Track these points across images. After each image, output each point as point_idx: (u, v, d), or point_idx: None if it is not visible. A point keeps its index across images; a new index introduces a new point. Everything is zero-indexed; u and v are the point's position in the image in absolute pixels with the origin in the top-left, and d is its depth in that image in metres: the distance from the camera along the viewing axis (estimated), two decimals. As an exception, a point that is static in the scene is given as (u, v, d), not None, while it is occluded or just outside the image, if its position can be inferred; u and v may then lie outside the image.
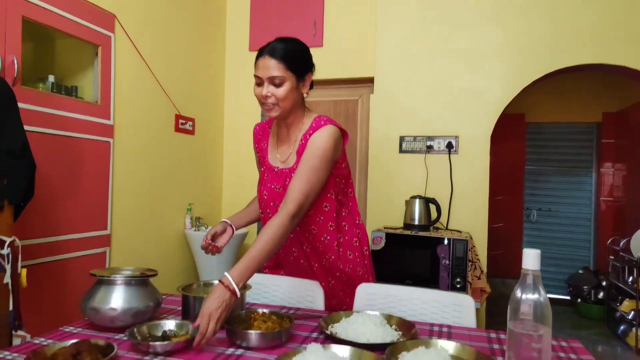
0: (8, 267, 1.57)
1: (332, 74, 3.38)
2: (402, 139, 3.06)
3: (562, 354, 1.13)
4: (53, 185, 2.13)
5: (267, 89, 1.35)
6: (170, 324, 1.15)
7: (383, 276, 2.61)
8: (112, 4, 2.49)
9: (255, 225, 3.38)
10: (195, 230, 3.13)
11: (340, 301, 1.58)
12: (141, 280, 1.25)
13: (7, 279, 1.57)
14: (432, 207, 2.77)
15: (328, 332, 1.20)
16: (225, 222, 1.53)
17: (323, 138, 1.37)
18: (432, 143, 3.00)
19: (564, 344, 1.20)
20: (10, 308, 1.56)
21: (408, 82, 3.07)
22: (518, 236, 4.86)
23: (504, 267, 4.69)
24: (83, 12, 2.29)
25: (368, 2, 3.28)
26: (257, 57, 1.38)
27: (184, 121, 3.13)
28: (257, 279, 1.59)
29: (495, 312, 3.40)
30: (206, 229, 3.19)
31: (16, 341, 1.57)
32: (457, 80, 2.97)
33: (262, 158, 1.56)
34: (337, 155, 1.44)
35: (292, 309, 1.45)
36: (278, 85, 1.35)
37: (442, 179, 2.96)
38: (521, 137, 4.82)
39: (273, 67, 1.34)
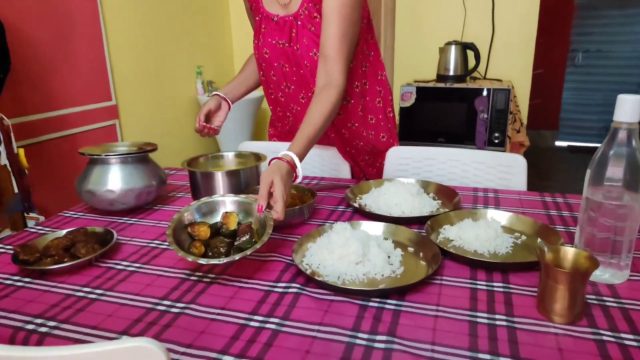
0: (1, 149, 1.44)
1: None
2: (435, -28, 2.58)
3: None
4: (42, 54, 1.89)
5: None
6: (215, 211, 0.90)
7: (412, 136, 2.42)
8: None
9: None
10: (208, 95, 2.92)
11: (363, 173, 1.41)
12: (139, 157, 1.09)
13: (4, 160, 1.44)
14: (470, 54, 2.43)
15: (356, 204, 1.05)
16: (218, 95, 1.28)
17: None
18: (472, -25, 2.51)
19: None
20: (15, 191, 1.46)
21: None
22: (558, 83, 4.46)
23: (541, 118, 4.40)
24: None
25: None
26: None
27: (179, -32, 2.69)
28: (271, 147, 1.42)
29: (531, 169, 3.22)
30: (220, 93, 2.96)
31: (30, 224, 1.51)
32: None
33: (254, 4, 1.23)
34: None
35: (314, 179, 1.29)
36: None
37: (482, 20, 2.55)
38: (574, -36, 4.10)
39: None
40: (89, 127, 2.14)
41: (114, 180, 1.04)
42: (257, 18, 1.24)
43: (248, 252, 0.75)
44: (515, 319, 0.64)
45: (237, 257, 0.74)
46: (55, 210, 1.08)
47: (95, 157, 1.04)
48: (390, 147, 1.34)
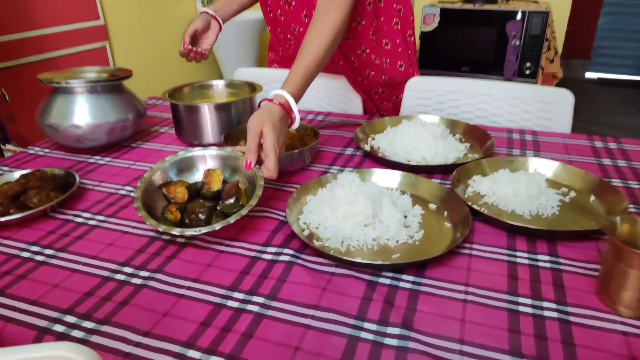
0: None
1: None
2: None
3: None
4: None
5: None
6: (195, 168, 0.74)
7: (433, 64, 2.17)
8: None
9: None
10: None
11: (377, 108, 1.21)
12: (111, 86, 0.91)
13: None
14: (506, -30, 2.12)
15: (367, 146, 0.88)
16: (207, 13, 1.05)
17: None
18: None
19: None
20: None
21: None
22: (595, 7, 4.04)
23: (571, 46, 4.03)
24: None
25: None
26: None
27: None
28: (271, 75, 1.22)
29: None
30: (222, 13, 2.69)
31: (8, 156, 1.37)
32: None
33: None
34: None
35: (319, 114, 1.11)
36: None
37: None
38: None
39: None
40: (74, 50, 1.94)
41: (81, 113, 0.87)
42: None
43: (232, 219, 0.59)
44: (570, 309, 0.49)
45: (217, 226, 0.59)
46: (37, 142, 0.94)
47: (56, 85, 0.87)
48: (410, 77, 1.14)
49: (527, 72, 2.01)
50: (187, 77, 2.65)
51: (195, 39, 1.03)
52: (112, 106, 0.90)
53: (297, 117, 0.76)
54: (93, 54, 2.03)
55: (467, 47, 2.09)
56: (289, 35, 1.13)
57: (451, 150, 0.84)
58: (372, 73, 1.12)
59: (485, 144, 0.86)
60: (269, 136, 0.68)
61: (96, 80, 0.90)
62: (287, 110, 0.74)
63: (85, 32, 1.97)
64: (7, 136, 1.36)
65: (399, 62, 1.12)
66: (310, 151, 0.82)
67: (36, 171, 0.76)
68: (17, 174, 0.77)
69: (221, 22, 1.07)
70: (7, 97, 1.41)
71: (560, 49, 2.32)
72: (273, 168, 0.67)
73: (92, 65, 2.03)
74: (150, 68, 2.38)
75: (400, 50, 1.11)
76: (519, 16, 1.97)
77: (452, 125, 0.94)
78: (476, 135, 0.90)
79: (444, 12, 2.08)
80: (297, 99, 0.77)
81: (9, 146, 1.36)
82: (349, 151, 0.89)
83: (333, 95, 1.21)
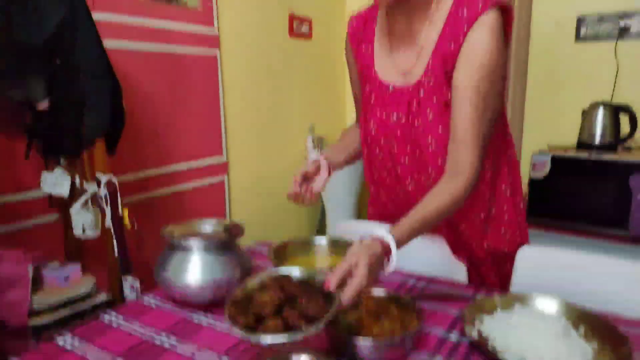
0: (108, 209, 1.45)
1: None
2: (580, 20, 2.23)
3: None
4: (158, 110, 1.96)
5: None
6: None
7: (545, 213, 2.04)
8: None
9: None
10: (318, 151, 2.85)
11: (481, 279, 1.13)
12: (223, 243, 0.97)
13: (108, 222, 1.45)
14: (624, 118, 2.02)
15: (475, 332, 0.80)
16: (318, 159, 1.10)
17: (488, 42, 0.87)
18: (629, 23, 2.12)
19: None
20: (116, 254, 1.46)
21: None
22: None
23: None
24: None
25: None
26: None
27: (299, 23, 2.71)
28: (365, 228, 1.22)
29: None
30: (329, 147, 2.88)
31: (126, 287, 1.48)
32: None
33: (364, 69, 1.06)
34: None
35: (420, 279, 1.06)
36: None
37: (640, 78, 2.13)
38: None
39: None
40: (197, 184, 2.16)
41: (193, 271, 0.92)
42: (366, 88, 1.08)
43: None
44: None
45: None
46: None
47: (174, 241, 0.95)
48: (518, 247, 1.06)
49: (660, 229, 1.80)
50: (296, 214, 2.79)
51: (305, 181, 1.07)
52: (222, 265, 0.95)
53: (394, 263, 0.77)
54: (212, 188, 2.24)
55: (584, 198, 1.95)
56: (392, 196, 1.14)
57: (576, 356, 0.73)
58: (480, 242, 1.07)
59: (622, 347, 0.74)
60: (361, 267, 0.70)
61: (210, 238, 0.97)
62: (387, 251, 0.76)
63: (209, 168, 2.21)
64: (131, 268, 1.48)
65: (502, 229, 1.06)
66: (412, 338, 0.77)
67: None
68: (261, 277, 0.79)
69: (331, 168, 1.12)
70: (135, 225, 1.56)
71: (698, 201, 2.07)
72: (348, 297, 0.68)
73: (212, 197, 2.24)
74: (262, 206, 2.57)
75: (506, 217, 1.06)
76: (644, 168, 1.82)
77: (574, 314, 0.83)
78: (605, 332, 0.78)
79: (556, 160, 2.00)
80: (399, 245, 0.79)
81: (129, 278, 1.47)
82: (454, 337, 0.82)
83: (435, 256, 1.17)
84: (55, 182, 1.51)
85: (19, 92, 1.33)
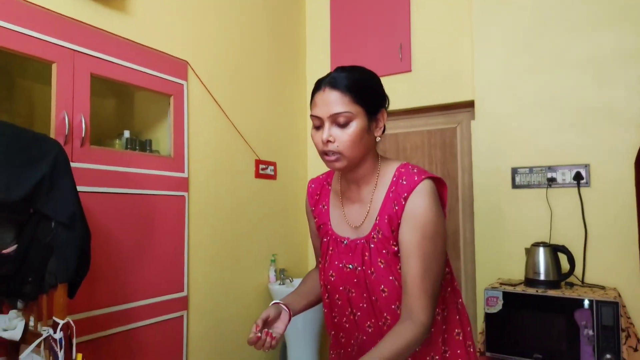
0: (61, 354, 1.40)
1: (424, 100, 2.98)
2: (514, 171, 2.54)
3: None
4: (123, 249, 1.99)
5: (329, 131, 1.03)
6: None
7: (503, 347, 2.09)
8: (184, 51, 2.39)
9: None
10: (280, 283, 2.87)
11: None
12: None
13: (59, 368, 1.39)
14: (562, 257, 2.21)
15: None
16: (279, 304, 1.18)
17: (425, 205, 1.02)
18: (554, 175, 2.44)
19: None
20: (62, 403, 1.37)
21: (518, 103, 2.57)
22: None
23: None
24: (154, 63, 2.20)
25: (461, 14, 2.86)
26: (314, 93, 1.07)
27: (264, 166, 2.93)
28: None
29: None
30: (291, 282, 2.91)
31: None
32: (583, 96, 2.41)
33: (322, 225, 1.21)
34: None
35: None
36: (343, 126, 1.02)
37: (572, 220, 2.38)
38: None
39: (335, 101, 1.01)
40: (155, 320, 2.11)
41: None
42: (324, 240, 1.19)
43: None
44: None
45: None
46: None
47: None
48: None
49: (609, 364, 1.86)
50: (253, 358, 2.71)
51: (266, 326, 1.10)
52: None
53: None
54: (170, 323, 2.19)
55: (537, 332, 2.03)
56: (352, 341, 1.19)
57: None
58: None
59: None
60: None
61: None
62: None
63: (168, 304, 2.19)
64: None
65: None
66: None
67: None
68: None
69: (291, 313, 1.17)
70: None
71: (642, 335, 2.18)
72: None
73: (168, 335, 2.17)
74: (222, 345, 2.50)
75: (460, 360, 1.12)
76: (586, 304, 1.95)
77: None
78: None
79: (507, 296, 2.12)
80: None
81: None
82: None
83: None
84: (8, 325, 1.46)
85: (-12, 240, 1.36)
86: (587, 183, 2.36)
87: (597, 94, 2.37)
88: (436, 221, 1.02)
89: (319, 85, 1.06)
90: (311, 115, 1.06)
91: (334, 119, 1.02)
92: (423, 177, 1.04)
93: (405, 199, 1.03)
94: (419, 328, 0.97)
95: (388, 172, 1.10)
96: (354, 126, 1.02)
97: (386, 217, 1.06)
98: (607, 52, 2.36)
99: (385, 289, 1.06)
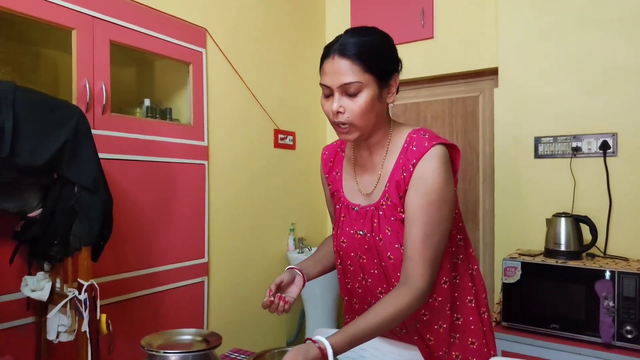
0: (86, 314, 1.46)
1: (446, 68, 2.91)
2: (538, 140, 2.48)
3: None
4: (146, 215, 2.04)
5: (339, 102, 1.00)
6: None
7: (519, 317, 2.09)
8: (203, 18, 2.37)
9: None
10: (299, 252, 2.91)
11: None
12: (201, 355, 1.00)
13: (85, 326, 1.45)
14: (584, 228, 2.16)
15: None
16: (294, 269, 1.19)
17: (434, 171, 1.00)
18: (579, 144, 2.37)
19: None
20: (89, 359, 1.44)
21: (543, 68, 2.48)
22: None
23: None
24: (173, 30, 2.19)
25: (486, -21, 2.74)
26: (323, 59, 1.04)
27: (283, 136, 2.93)
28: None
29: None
30: (310, 250, 2.95)
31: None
32: (613, 58, 2.30)
33: (335, 192, 1.21)
34: (454, 183, 1.06)
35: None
36: (353, 96, 1.00)
37: (596, 191, 2.32)
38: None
39: (345, 70, 0.98)
40: (177, 285, 2.18)
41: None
42: (337, 206, 1.20)
43: None
44: None
45: None
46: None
47: (154, 353, 0.98)
48: (485, 357, 1.11)
49: (629, 336, 1.84)
50: (270, 321, 2.77)
51: (279, 290, 1.13)
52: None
53: None
54: (192, 287, 2.25)
55: (555, 303, 2.02)
56: (365, 306, 1.20)
57: None
58: (447, 351, 1.11)
59: None
60: None
61: (189, 351, 1.00)
62: (324, 356, 0.82)
63: (190, 270, 2.25)
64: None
65: (469, 339, 1.11)
66: None
67: None
68: None
69: (306, 278, 1.19)
70: (110, 328, 1.56)
71: (664, 308, 2.14)
72: None
73: (190, 298, 2.24)
74: (241, 309, 2.56)
75: (473, 327, 1.12)
76: (607, 276, 1.92)
77: None
78: None
79: (526, 266, 2.10)
80: (337, 352, 0.85)
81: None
82: None
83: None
84: (36, 286, 1.53)
85: (15, 204, 1.41)
86: (613, 152, 2.29)
87: (628, 55, 2.26)
88: (443, 188, 1.00)
89: (327, 52, 1.02)
90: (320, 84, 1.04)
91: (344, 89, 0.99)
92: (434, 142, 1.01)
93: (414, 165, 1.01)
94: (414, 293, 0.96)
95: (400, 138, 1.08)
96: (365, 96, 0.99)
97: (395, 183, 1.05)
98: (638, 10, 2.23)
99: (392, 256, 1.06)
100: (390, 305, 0.94)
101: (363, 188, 1.13)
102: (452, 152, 1.06)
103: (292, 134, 3.02)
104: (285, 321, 2.94)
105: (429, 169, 1.00)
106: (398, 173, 1.05)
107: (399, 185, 1.04)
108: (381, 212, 1.07)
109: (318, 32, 3.32)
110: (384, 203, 1.07)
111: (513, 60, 2.56)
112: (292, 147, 3.01)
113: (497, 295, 2.35)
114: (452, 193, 1.03)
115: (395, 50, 1.07)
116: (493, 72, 2.76)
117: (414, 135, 1.06)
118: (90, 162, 1.45)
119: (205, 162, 2.35)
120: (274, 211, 2.87)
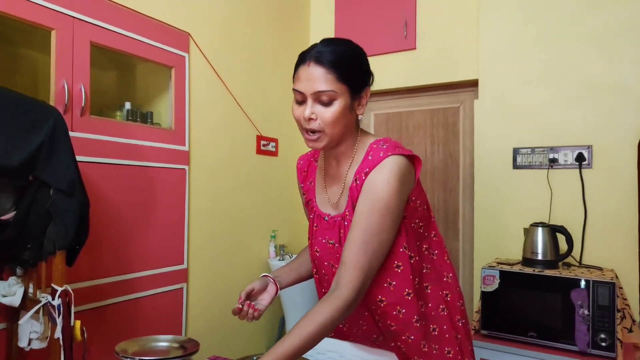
0: (59, 320, 1.42)
1: (428, 79, 2.95)
2: (516, 151, 2.53)
3: None
4: (124, 220, 2.00)
5: (312, 109, 1.01)
6: None
7: (498, 326, 2.11)
8: (186, 23, 2.36)
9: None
10: (280, 259, 2.89)
11: None
12: (177, 360, 0.98)
13: (58, 333, 1.41)
14: (561, 238, 2.21)
15: None
16: (267, 277, 1.19)
17: (383, 180, 0.99)
18: (556, 155, 2.42)
19: None
20: (61, 367, 1.40)
21: (522, 81, 2.54)
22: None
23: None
24: (155, 34, 2.17)
25: (468, -8, 2.80)
26: (297, 65, 1.05)
27: (266, 142, 2.92)
28: (327, 346, 1.25)
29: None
30: (291, 258, 2.93)
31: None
32: (589, 72, 2.37)
33: (309, 202, 1.21)
34: (407, 195, 1.05)
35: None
36: (327, 104, 1.00)
37: (572, 202, 2.37)
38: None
39: (320, 77, 0.99)
40: (156, 291, 2.14)
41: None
42: (311, 216, 1.20)
43: None
44: None
45: None
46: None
47: (128, 359, 0.95)
48: (461, 364, 1.11)
49: (603, 344, 1.88)
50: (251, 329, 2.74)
51: (250, 298, 1.13)
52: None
53: None
54: (170, 294, 2.21)
55: (532, 311, 2.05)
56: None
57: None
58: (421, 360, 1.11)
59: None
60: None
61: (166, 357, 0.97)
62: None
63: (168, 275, 2.21)
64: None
65: (446, 349, 1.12)
66: None
67: None
68: None
69: (279, 287, 1.18)
70: (85, 335, 1.52)
71: (638, 317, 2.20)
72: None
73: (169, 305, 2.20)
74: (220, 314, 2.53)
75: (447, 336, 1.12)
76: (582, 284, 1.95)
77: None
78: None
79: (504, 275, 2.13)
80: None
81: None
82: None
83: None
84: (8, 291, 1.48)
85: (-13, 206, 1.37)
86: (589, 164, 2.35)
87: (604, 70, 2.33)
88: (390, 198, 0.98)
89: (303, 58, 1.03)
90: (293, 89, 1.04)
91: (317, 97, 1.00)
92: (389, 153, 1.01)
93: (367, 174, 1.01)
94: (337, 304, 0.94)
95: (363, 149, 1.08)
96: (337, 105, 1.00)
97: (351, 192, 1.05)
98: (616, 26, 2.31)
99: None
100: (312, 321, 0.92)
101: (331, 198, 1.14)
102: (414, 162, 1.05)
103: (275, 140, 3.01)
104: (265, 328, 2.91)
105: (379, 178, 0.99)
106: (354, 182, 1.05)
107: (352, 194, 1.05)
108: (346, 223, 1.07)
109: (302, 40, 3.33)
110: (348, 213, 1.07)
111: (493, 73, 2.62)
112: (274, 153, 3.01)
113: (477, 303, 2.38)
114: (400, 205, 1.01)
115: (368, 64, 1.08)
116: (473, 84, 2.82)
117: (375, 146, 1.06)
118: (67, 164, 1.41)
119: (186, 167, 2.33)
120: (255, 218, 2.85)
